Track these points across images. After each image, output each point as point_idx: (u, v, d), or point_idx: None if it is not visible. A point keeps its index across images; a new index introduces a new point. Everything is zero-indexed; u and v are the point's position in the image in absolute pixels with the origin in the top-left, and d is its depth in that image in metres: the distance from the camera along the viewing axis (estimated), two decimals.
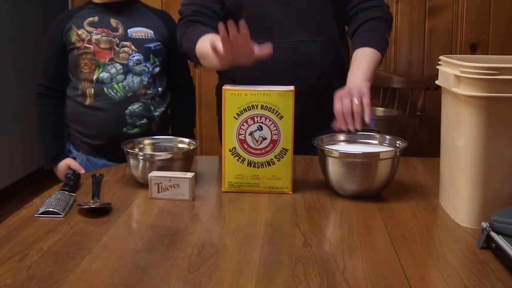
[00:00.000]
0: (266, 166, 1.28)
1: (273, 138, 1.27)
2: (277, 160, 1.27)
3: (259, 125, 1.26)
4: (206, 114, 2.93)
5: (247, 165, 1.28)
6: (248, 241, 1.01)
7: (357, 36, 1.56)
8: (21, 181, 3.82)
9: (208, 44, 1.31)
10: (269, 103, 1.25)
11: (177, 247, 0.99)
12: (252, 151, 1.27)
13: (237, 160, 1.28)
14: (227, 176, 1.29)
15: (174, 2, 2.79)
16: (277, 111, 1.25)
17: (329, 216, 1.15)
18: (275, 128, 1.26)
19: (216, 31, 1.38)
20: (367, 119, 1.29)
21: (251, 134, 1.27)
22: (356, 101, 1.30)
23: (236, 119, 1.26)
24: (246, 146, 1.27)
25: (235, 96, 1.26)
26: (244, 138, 1.27)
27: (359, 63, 1.47)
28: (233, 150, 1.28)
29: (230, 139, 1.27)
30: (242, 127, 1.26)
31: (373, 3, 1.58)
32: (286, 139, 1.27)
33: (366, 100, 1.30)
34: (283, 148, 1.27)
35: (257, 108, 1.25)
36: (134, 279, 0.87)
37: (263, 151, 1.27)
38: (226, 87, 1.27)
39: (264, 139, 1.27)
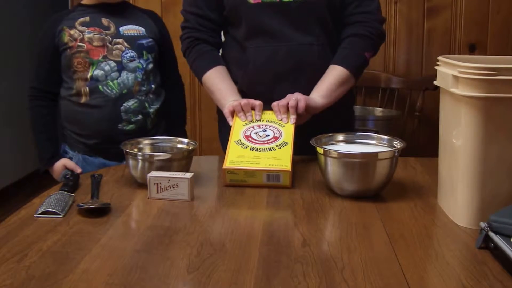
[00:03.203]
0: (267, 151, 1.36)
1: (275, 135, 1.40)
2: (278, 148, 1.36)
3: (264, 129, 1.42)
4: (205, 114, 2.93)
5: (250, 150, 1.37)
6: (247, 241, 1.01)
7: (336, 52, 1.57)
8: (21, 181, 3.82)
9: (213, 83, 1.58)
10: (274, 120, 1.45)
11: (176, 247, 0.99)
12: (255, 141, 1.39)
13: (241, 147, 1.38)
14: (230, 156, 1.35)
15: (174, 3, 2.80)
16: (280, 123, 1.43)
17: (327, 216, 1.16)
18: (278, 131, 1.41)
19: (217, 46, 1.66)
20: (292, 118, 1.43)
21: (256, 133, 1.41)
22: (292, 101, 1.43)
23: (244, 126, 1.43)
24: (250, 139, 1.40)
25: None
26: (249, 135, 1.41)
27: (322, 81, 1.54)
28: (238, 141, 1.39)
29: (237, 135, 1.41)
30: (249, 129, 1.42)
31: (361, 17, 1.56)
32: (287, 137, 1.39)
33: (300, 104, 1.43)
34: (284, 141, 1.38)
35: (263, 121, 1.44)
36: (133, 279, 0.87)
37: (265, 142, 1.38)
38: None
39: (267, 135, 1.40)
